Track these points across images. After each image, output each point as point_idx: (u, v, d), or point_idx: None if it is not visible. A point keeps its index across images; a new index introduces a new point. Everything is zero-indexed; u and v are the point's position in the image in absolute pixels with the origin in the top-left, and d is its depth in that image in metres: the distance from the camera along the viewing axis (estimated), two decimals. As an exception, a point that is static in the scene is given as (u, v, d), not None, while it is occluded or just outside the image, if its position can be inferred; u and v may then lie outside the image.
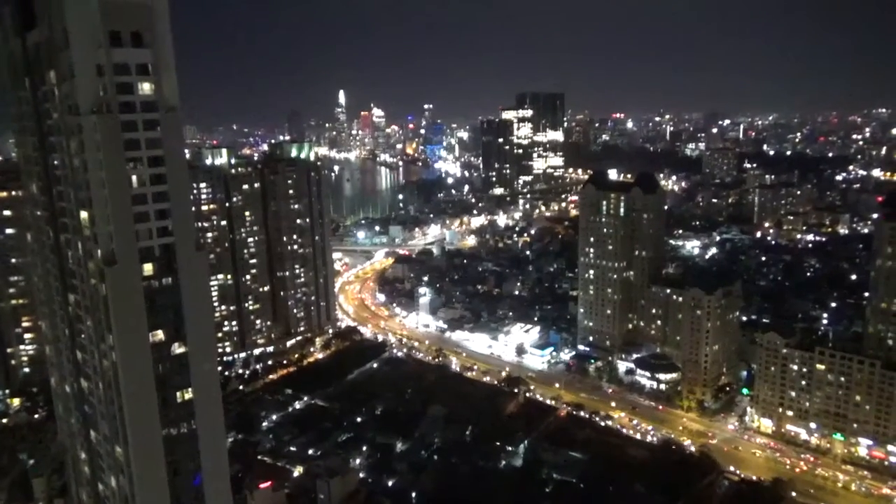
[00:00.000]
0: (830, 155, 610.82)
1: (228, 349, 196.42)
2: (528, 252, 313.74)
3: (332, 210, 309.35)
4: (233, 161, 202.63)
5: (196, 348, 74.63)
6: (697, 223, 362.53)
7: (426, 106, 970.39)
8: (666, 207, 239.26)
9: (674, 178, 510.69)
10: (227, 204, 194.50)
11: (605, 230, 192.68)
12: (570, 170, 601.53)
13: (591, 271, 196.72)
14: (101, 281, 70.38)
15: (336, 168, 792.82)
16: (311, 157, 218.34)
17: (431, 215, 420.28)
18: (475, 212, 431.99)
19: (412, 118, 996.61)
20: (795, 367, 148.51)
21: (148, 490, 73.66)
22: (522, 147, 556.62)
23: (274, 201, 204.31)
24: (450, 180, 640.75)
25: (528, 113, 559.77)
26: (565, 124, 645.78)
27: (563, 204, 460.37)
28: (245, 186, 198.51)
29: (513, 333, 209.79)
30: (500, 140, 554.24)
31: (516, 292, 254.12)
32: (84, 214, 72.01)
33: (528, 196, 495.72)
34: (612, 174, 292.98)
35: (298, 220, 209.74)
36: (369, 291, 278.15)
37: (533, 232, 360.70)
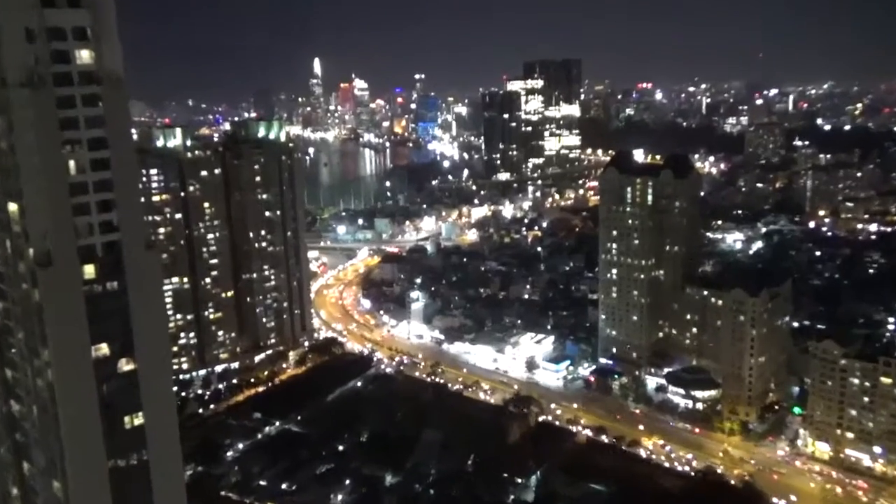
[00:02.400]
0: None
1: (186, 366, 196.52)
2: (539, 249, 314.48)
3: (307, 201, 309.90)
4: (189, 143, 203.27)
5: (147, 365, 74.70)
6: (739, 212, 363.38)
7: (417, 76, 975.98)
8: (702, 194, 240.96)
9: (711, 159, 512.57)
10: (182, 194, 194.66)
11: (629, 222, 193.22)
12: (589, 151, 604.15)
13: (614, 271, 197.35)
14: (33, 285, 70.38)
15: (311, 151, 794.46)
16: (282, 137, 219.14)
17: (424, 206, 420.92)
18: (476, 201, 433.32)
19: (401, 91, 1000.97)
20: (857, 382, 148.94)
21: (91, 532, 73.81)
22: (532, 124, 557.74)
23: (238, 191, 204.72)
24: (446, 164, 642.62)
25: (539, 84, 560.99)
26: (582, 97, 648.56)
27: (581, 191, 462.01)
28: (204, 173, 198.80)
29: (522, 345, 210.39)
30: (506, 116, 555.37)
31: (526, 296, 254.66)
32: (13, 207, 71.91)
33: (539, 182, 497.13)
34: (638, 155, 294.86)
35: (267, 213, 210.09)
36: (352, 296, 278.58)
37: (545, 225, 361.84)
